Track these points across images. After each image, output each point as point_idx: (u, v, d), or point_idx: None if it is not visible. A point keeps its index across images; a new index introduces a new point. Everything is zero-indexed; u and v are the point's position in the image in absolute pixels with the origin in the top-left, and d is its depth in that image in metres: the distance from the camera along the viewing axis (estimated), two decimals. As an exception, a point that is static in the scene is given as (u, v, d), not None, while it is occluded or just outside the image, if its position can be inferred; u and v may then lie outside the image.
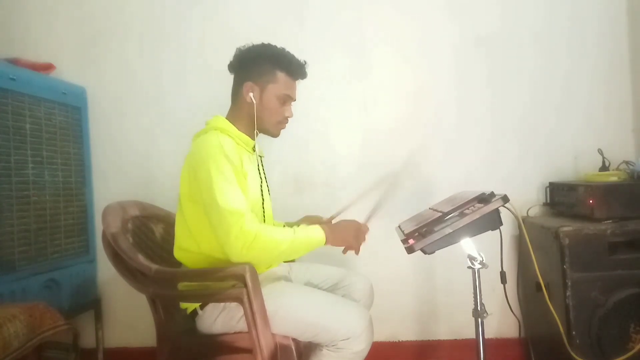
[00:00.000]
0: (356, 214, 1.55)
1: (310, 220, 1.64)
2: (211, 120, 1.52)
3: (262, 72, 1.48)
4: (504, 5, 2.13)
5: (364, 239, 1.49)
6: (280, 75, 1.49)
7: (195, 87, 2.16)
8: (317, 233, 1.39)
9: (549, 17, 2.11)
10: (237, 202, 1.30)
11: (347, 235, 1.45)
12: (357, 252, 1.49)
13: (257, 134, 1.53)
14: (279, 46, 1.52)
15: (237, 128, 1.49)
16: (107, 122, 2.21)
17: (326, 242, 1.40)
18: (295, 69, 1.51)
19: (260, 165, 1.57)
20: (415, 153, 2.12)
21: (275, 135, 1.55)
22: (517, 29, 2.12)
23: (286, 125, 1.56)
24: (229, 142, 1.42)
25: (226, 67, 1.55)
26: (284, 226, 1.64)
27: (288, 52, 1.52)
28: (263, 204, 1.52)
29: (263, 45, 1.52)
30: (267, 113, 1.49)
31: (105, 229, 1.49)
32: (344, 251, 1.49)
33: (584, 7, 2.11)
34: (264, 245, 1.29)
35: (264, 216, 1.52)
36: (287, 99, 1.52)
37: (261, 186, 1.53)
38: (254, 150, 1.54)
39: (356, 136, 2.16)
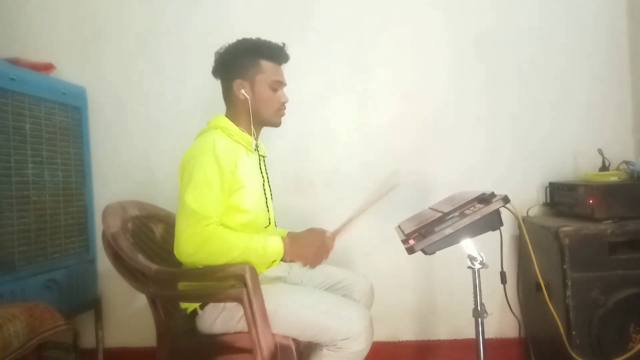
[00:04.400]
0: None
1: (311, 232, 1.50)
2: (213, 119, 1.53)
3: (247, 66, 1.49)
4: (501, 4, 2.12)
5: (326, 257, 1.44)
6: (265, 64, 1.50)
7: (195, 87, 2.16)
8: (274, 244, 1.37)
9: (546, 16, 2.11)
10: (205, 205, 1.29)
11: (307, 252, 1.41)
12: (312, 267, 1.45)
13: (254, 133, 1.53)
14: (254, 37, 1.53)
15: (237, 126, 1.50)
16: (107, 122, 2.21)
17: (284, 256, 1.38)
18: (276, 53, 1.52)
19: (262, 165, 1.57)
20: (413, 153, 2.13)
21: (277, 124, 1.55)
22: (514, 28, 2.12)
23: (285, 111, 1.55)
24: (226, 141, 1.42)
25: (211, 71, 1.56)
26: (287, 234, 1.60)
27: (265, 40, 1.52)
28: (266, 202, 1.52)
29: (239, 41, 1.53)
30: (263, 104, 1.50)
31: (105, 229, 1.48)
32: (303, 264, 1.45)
33: (582, 5, 2.10)
34: (213, 249, 1.28)
35: (269, 215, 1.52)
36: (279, 84, 1.53)
37: (263, 186, 1.53)
38: (255, 150, 1.54)
39: (356, 136, 2.16)
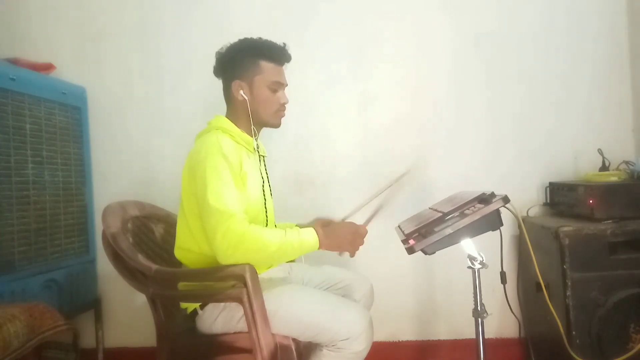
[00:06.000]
0: (364, 215, 1.52)
1: (320, 222, 1.59)
2: (213, 120, 1.53)
3: (246, 67, 1.49)
4: (503, 4, 2.12)
5: (362, 243, 1.45)
6: (265, 64, 1.49)
7: (195, 87, 2.16)
8: (310, 236, 1.37)
9: (547, 16, 2.11)
10: (228, 202, 1.29)
11: (343, 240, 1.42)
12: (352, 256, 1.46)
13: (255, 133, 1.53)
14: (255, 37, 1.52)
15: (237, 127, 1.50)
16: (107, 122, 2.20)
17: (320, 247, 1.38)
18: (277, 54, 1.51)
19: (262, 165, 1.57)
20: (415, 153, 2.13)
21: (276, 125, 1.55)
22: (515, 28, 2.12)
23: (284, 112, 1.55)
24: (229, 142, 1.42)
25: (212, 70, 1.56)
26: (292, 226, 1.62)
27: (266, 40, 1.51)
28: (265, 203, 1.52)
29: (240, 40, 1.52)
30: (262, 105, 1.50)
31: (105, 229, 1.49)
32: (340, 254, 1.48)
33: (583, 5, 2.10)
34: (250, 247, 1.28)
35: (267, 216, 1.52)
36: (278, 85, 1.52)
37: (263, 186, 1.53)
38: (256, 150, 1.54)
39: (356, 136, 2.16)
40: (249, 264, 1.31)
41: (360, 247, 1.46)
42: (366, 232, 1.47)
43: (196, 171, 1.35)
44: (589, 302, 1.59)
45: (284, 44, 1.53)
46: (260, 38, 1.52)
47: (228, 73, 1.51)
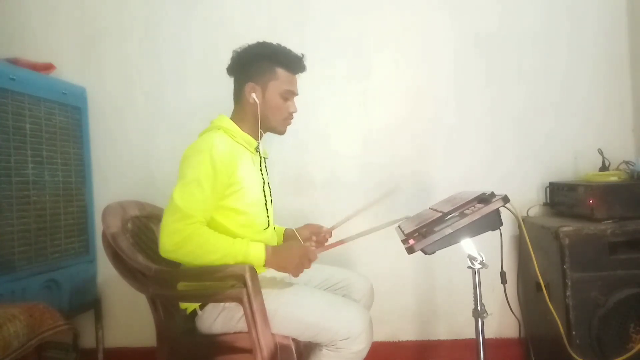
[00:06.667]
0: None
1: (309, 228, 1.66)
2: (216, 119, 1.53)
3: (262, 71, 1.49)
4: (504, 5, 2.13)
5: (308, 267, 1.39)
6: (280, 72, 1.49)
7: (195, 87, 2.16)
8: (257, 252, 1.34)
9: (548, 17, 2.11)
10: (192, 203, 1.29)
11: (288, 263, 1.37)
12: (294, 276, 1.42)
13: (261, 135, 1.53)
14: (274, 42, 1.52)
15: (240, 128, 1.50)
16: (107, 122, 2.21)
17: (265, 265, 1.37)
18: (294, 63, 1.51)
19: (263, 166, 1.57)
20: (415, 153, 2.13)
21: (282, 132, 1.55)
22: (516, 29, 2.12)
23: (291, 121, 1.56)
24: (227, 142, 1.42)
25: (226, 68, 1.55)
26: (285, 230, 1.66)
27: (284, 48, 1.52)
28: (265, 204, 1.52)
29: (259, 44, 1.52)
30: (271, 111, 1.50)
31: (105, 229, 1.48)
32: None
33: (583, 6, 2.11)
34: (193, 250, 1.28)
35: (267, 217, 1.52)
36: (290, 94, 1.52)
37: (263, 187, 1.53)
38: (257, 151, 1.54)
39: (356, 136, 2.16)
40: (188, 264, 1.34)
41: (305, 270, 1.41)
42: (316, 258, 1.40)
43: (181, 165, 1.38)
44: (589, 302, 1.59)
45: (302, 54, 1.53)
46: (279, 44, 1.52)
47: (242, 74, 1.51)
